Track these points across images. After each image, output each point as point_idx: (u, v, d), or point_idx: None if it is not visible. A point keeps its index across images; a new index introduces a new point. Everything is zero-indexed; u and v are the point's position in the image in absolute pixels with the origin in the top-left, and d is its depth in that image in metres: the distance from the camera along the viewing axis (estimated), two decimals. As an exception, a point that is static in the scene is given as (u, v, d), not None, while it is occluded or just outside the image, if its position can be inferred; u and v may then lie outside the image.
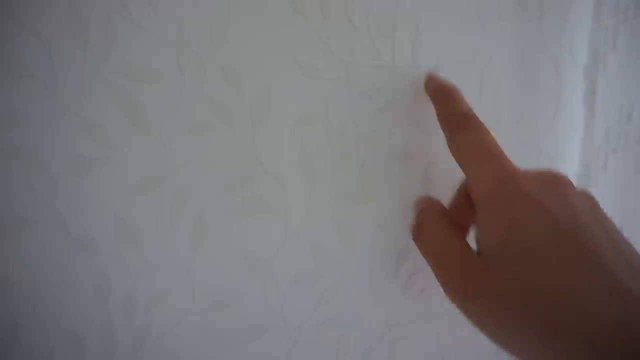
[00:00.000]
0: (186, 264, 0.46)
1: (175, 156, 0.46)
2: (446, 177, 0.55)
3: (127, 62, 0.43)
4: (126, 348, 0.44)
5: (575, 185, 0.43)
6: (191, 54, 0.45)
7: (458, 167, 0.48)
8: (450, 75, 0.54)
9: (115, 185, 0.44)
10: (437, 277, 0.45)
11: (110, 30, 0.43)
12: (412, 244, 0.51)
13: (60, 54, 0.41)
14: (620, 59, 0.54)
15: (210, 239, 0.47)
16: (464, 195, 0.49)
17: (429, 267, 0.47)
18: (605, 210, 0.42)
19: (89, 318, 0.43)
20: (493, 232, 0.40)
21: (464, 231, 0.48)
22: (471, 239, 0.48)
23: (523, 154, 0.57)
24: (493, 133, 0.48)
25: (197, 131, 0.46)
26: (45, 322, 0.42)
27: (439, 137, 0.53)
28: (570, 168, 0.60)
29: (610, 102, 0.53)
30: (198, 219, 0.46)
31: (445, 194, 0.54)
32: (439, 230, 0.46)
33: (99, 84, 0.43)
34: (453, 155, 0.47)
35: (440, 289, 0.45)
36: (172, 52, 0.45)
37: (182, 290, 0.46)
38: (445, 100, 0.48)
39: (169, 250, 0.45)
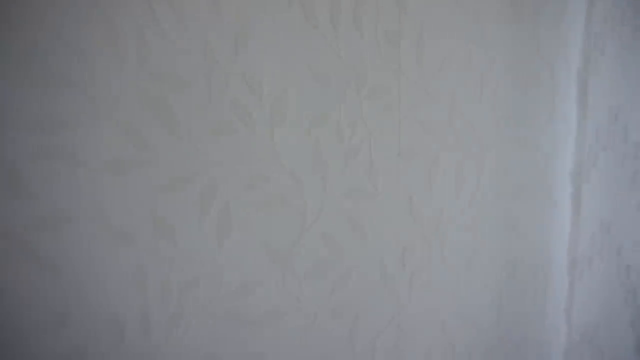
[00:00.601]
0: (214, 254, 0.51)
1: (203, 156, 0.50)
2: (448, 174, 0.59)
3: (159, 72, 0.48)
4: (161, 329, 0.49)
5: None
6: (216, 63, 0.50)
7: (458, 164, 0.53)
8: (452, 78, 0.59)
9: (150, 183, 0.48)
10: None
11: (143, 43, 0.47)
12: (418, 236, 0.56)
13: (99, 65, 0.46)
14: (609, 63, 0.59)
15: (234, 231, 0.51)
16: None
17: (433, 260, 0.51)
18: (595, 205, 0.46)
19: (128, 302, 0.48)
20: None
21: None
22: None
23: (521, 151, 0.61)
24: (492, 132, 0.52)
25: (221, 132, 0.50)
26: (90, 306, 0.46)
27: (442, 136, 0.58)
28: (565, 165, 0.64)
29: (600, 103, 0.57)
30: (224, 213, 0.51)
31: (447, 190, 0.59)
32: None
33: (134, 92, 0.47)
34: None
35: (445, 281, 0.49)
36: (199, 61, 0.49)
37: (210, 278, 0.51)
38: None
39: (198, 242, 0.50)
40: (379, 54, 0.56)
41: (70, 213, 0.46)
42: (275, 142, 0.53)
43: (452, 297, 0.59)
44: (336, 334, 0.56)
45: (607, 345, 0.54)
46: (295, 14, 0.53)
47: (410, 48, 0.57)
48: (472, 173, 0.60)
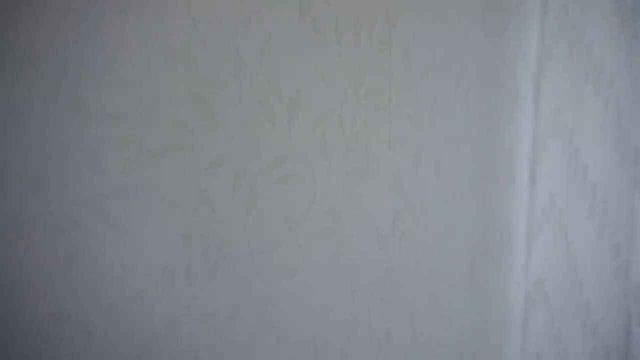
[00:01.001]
0: (243, 221, 0.64)
1: (234, 143, 0.63)
2: (430, 160, 0.72)
3: (200, 74, 0.61)
4: (202, 279, 0.62)
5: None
6: (245, 67, 0.63)
7: (441, 151, 0.66)
8: (434, 79, 0.72)
9: (194, 164, 0.61)
10: None
11: (188, 50, 0.60)
12: (405, 208, 0.69)
13: (155, 69, 0.59)
14: (557, 69, 0.72)
15: (259, 202, 0.64)
16: None
17: (418, 227, 0.65)
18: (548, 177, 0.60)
19: (177, 257, 0.61)
20: None
21: None
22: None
23: (489, 140, 0.75)
24: (465, 125, 0.66)
25: (249, 124, 0.64)
26: (148, 259, 0.59)
27: (426, 127, 0.71)
28: (523, 150, 0.78)
29: (550, 101, 0.71)
30: (251, 188, 0.64)
31: (429, 172, 0.72)
32: None
33: (181, 90, 0.60)
34: None
35: (427, 244, 0.63)
36: (232, 66, 0.62)
37: (240, 239, 0.64)
38: None
39: (231, 210, 0.63)
40: (373, 61, 0.69)
41: (135, 186, 0.59)
42: (292, 132, 0.66)
43: (434, 257, 0.73)
44: (339, 286, 0.69)
45: (555, 296, 0.68)
46: (306, 28, 0.66)
47: (398, 56, 0.70)
48: (449, 158, 0.74)
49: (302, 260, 0.67)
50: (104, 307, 0.57)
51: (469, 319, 0.71)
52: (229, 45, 0.63)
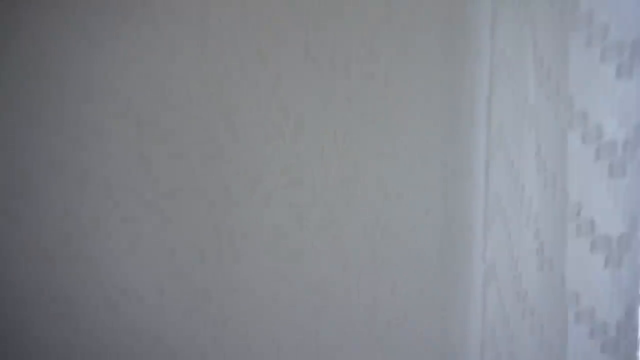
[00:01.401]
0: (259, 212, 0.82)
1: (253, 154, 0.81)
2: (407, 168, 0.91)
3: (228, 100, 0.79)
4: (230, 260, 0.80)
5: None
6: (262, 95, 0.81)
7: (416, 158, 0.84)
8: (409, 97, 0.91)
9: (224, 166, 0.79)
10: None
11: (220, 82, 0.78)
12: (386, 206, 0.87)
13: (192, 94, 0.77)
14: (504, 82, 0.90)
15: (274, 198, 0.82)
16: None
17: (396, 221, 0.83)
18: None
19: (210, 243, 0.78)
20: None
21: None
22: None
23: (452, 142, 0.93)
24: (432, 131, 0.84)
25: (264, 140, 0.82)
26: (185, 243, 0.77)
27: (403, 140, 0.89)
28: (479, 149, 0.95)
29: (498, 111, 0.88)
30: (266, 190, 0.82)
31: (407, 179, 0.90)
32: None
33: (214, 113, 0.78)
34: None
35: (401, 234, 0.81)
36: (252, 94, 0.81)
37: (256, 227, 0.82)
38: None
39: (250, 203, 0.81)
40: (361, 90, 0.88)
41: (181, 188, 0.76)
42: (297, 148, 0.84)
43: (408, 244, 0.91)
44: (334, 266, 0.87)
45: (503, 277, 0.86)
46: (309, 65, 0.84)
47: (379, 87, 0.89)
48: (418, 157, 0.92)
49: (305, 246, 0.85)
50: (163, 275, 0.75)
51: (440, 292, 0.89)
52: (249, 77, 0.81)
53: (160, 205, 0.73)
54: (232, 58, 0.79)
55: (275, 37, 0.81)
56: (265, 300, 0.83)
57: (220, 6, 0.79)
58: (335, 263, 0.87)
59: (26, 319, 0.81)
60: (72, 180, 0.75)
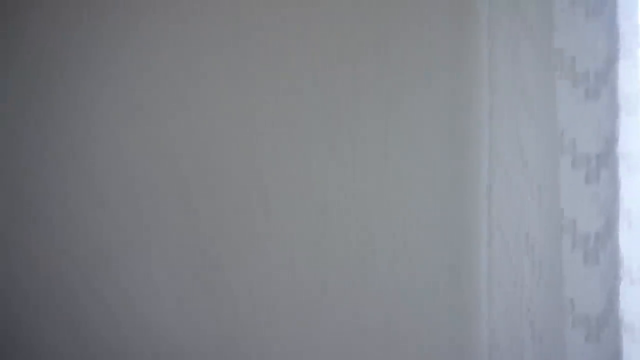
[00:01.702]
0: (273, 219, 0.90)
1: (265, 159, 0.90)
2: (404, 158, 0.98)
3: (250, 126, 0.87)
4: (243, 253, 0.89)
5: None
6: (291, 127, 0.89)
7: (412, 151, 0.92)
8: (413, 109, 0.97)
9: (237, 171, 0.88)
10: None
11: (242, 84, 0.87)
12: (385, 208, 0.95)
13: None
14: (505, 96, 0.95)
15: (283, 204, 0.91)
16: None
17: (395, 221, 0.91)
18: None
19: (245, 229, 0.88)
20: None
21: None
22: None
23: (451, 143, 0.99)
24: (439, 157, 0.92)
25: (274, 148, 0.90)
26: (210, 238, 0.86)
27: (407, 149, 0.97)
28: (485, 167, 1.00)
29: (498, 116, 0.93)
30: (278, 194, 0.90)
31: (405, 168, 0.97)
32: None
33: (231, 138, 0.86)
34: None
35: (389, 218, 0.89)
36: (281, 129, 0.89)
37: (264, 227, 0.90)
38: None
39: (270, 211, 0.90)
40: (367, 116, 0.93)
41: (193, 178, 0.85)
42: (300, 147, 0.91)
43: (394, 228, 0.95)
44: (336, 257, 0.93)
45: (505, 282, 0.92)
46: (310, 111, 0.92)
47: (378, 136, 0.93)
48: (419, 156, 0.95)
49: (303, 241, 0.93)
50: (179, 277, 0.83)
51: (446, 298, 0.93)
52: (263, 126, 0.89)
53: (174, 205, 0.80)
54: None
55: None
56: (269, 284, 0.91)
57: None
58: (336, 255, 0.93)
59: (35, 320, 0.89)
60: (82, 181, 0.83)
